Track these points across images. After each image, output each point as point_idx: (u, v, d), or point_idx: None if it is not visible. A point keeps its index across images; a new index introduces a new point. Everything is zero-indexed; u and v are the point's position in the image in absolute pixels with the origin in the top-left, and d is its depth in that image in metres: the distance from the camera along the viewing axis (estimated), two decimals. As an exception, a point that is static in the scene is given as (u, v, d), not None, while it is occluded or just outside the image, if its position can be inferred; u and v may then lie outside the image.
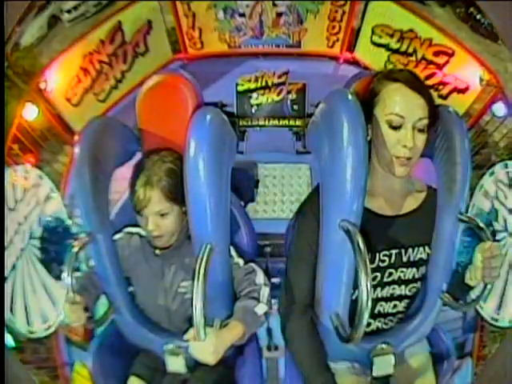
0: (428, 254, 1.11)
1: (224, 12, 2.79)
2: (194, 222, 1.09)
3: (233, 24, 2.83)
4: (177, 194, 1.12)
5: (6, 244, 1.71)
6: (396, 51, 2.68)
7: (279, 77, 2.45)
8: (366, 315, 0.88)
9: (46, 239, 1.89)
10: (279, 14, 2.81)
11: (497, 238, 1.74)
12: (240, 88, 2.44)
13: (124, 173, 1.22)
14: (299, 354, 1.09)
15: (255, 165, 2.29)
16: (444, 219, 1.10)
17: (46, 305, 1.88)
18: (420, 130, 1.00)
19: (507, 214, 1.75)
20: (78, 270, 1.21)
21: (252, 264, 1.19)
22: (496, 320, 1.92)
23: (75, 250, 1.10)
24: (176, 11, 2.76)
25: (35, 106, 2.16)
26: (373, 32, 2.73)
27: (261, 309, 1.08)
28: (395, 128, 1.00)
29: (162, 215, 1.12)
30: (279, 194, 2.78)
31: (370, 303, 0.88)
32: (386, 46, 2.70)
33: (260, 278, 1.15)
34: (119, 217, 1.37)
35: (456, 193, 1.08)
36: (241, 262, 1.18)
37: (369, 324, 1.12)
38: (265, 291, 1.13)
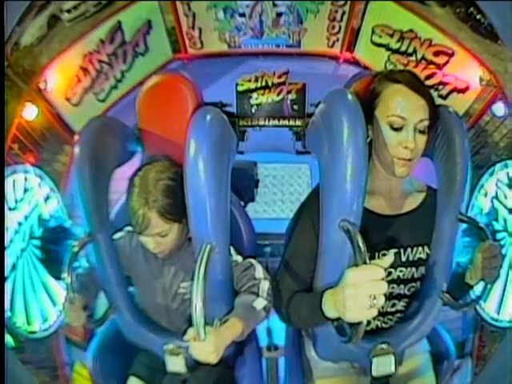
0: (427, 254, 1.11)
1: (224, 12, 2.79)
2: (194, 222, 1.09)
3: (233, 24, 2.84)
4: (175, 213, 1.09)
5: (6, 244, 1.71)
6: (396, 51, 2.68)
7: (279, 77, 2.45)
8: None
9: (46, 239, 1.90)
10: (279, 14, 2.82)
11: (497, 238, 1.74)
12: (240, 88, 2.44)
13: (124, 173, 1.22)
14: (299, 312, 1.07)
15: (255, 165, 2.29)
16: (444, 219, 1.10)
17: (46, 305, 1.88)
18: (421, 131, 1.00)
19: (507, 213, 1.75)
20: (77, 269, 1.21)
21: (250, 259, 1.18)
22: (496, 320, 1.92)
23: (75, 250, 1.10)
24: (176, 11, 2.76)
25: (35, 106, 2.16)
26: (373, 32, 2.73)
27: (260, 303, 1.07)
28: (396, 129, 1.00)
29: (163, 235, 1.11)
30: (279, 194, 2.78)
31: None
32: (386, 46, 2.71)
33: (259, 272, 1.15)
34: (119, 217, 1.37)
35: (456, 193, 1.09)
36: (239, 259, 1.18)
37: (368, 323, 1.12)
38: (264, 285, 1.12)
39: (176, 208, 1.09)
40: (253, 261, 1.18)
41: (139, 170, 1.13)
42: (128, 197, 1.09)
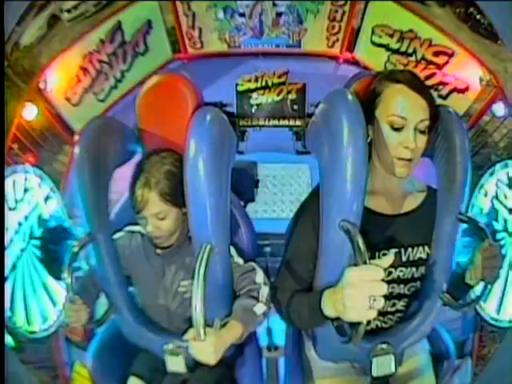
0: (428, 254, 1.11)
1: (224, 12, 2.79)
2: (194, 222, 1.09)
3: (233, 24, 2.83)
4: (175, 196, 1.11)
5: (6, 244, 1.71)
6: (396, 51, 2.68)
7: (279, 77, 2.45)
8: None
9: (46, 239, 1.90)
10: (279, 14, 2.81)
11: (497, 238, 1.74)
12: (240, 88, 2.44)
13: (124, 173, 1.22)
14: (299, 312, 1.06)
15: (255, 165, 2.29)
16: (444, 219, 1.10)
17: (46, 305, 1.89)
18: (421, 131, 1.00)
19: (507, 214, 1.76)
20: (78, 269, 1.21)
21: (252, 263, 1.19)
22: (496, 320, 1.92)
23: (75, 250, 1.10)
24: (176, 11, 2.76)
25: (35, 106, 2.15)
26: (373, 32, 2.73)
27: (260, 308, 1.08)
28: (397, 129, 1.00)
29: (161, 217, 1.12)
30: (279, 194, 2.78)
31: None
32: (386, 46, 2.70)
33: (260, 277, 1.15)
34: (119, 217, 1.37)
35: (456, 193, 1.09)
36: (240, 261, 1.18)
37: (368, 323, 1.12)
38: (264, 290, 1.13)
39: (176, 192, 1.11)
40: (254, 265, 1.18)
41: (144, 156, 1.16)
42: (132, 179, 1.13)
